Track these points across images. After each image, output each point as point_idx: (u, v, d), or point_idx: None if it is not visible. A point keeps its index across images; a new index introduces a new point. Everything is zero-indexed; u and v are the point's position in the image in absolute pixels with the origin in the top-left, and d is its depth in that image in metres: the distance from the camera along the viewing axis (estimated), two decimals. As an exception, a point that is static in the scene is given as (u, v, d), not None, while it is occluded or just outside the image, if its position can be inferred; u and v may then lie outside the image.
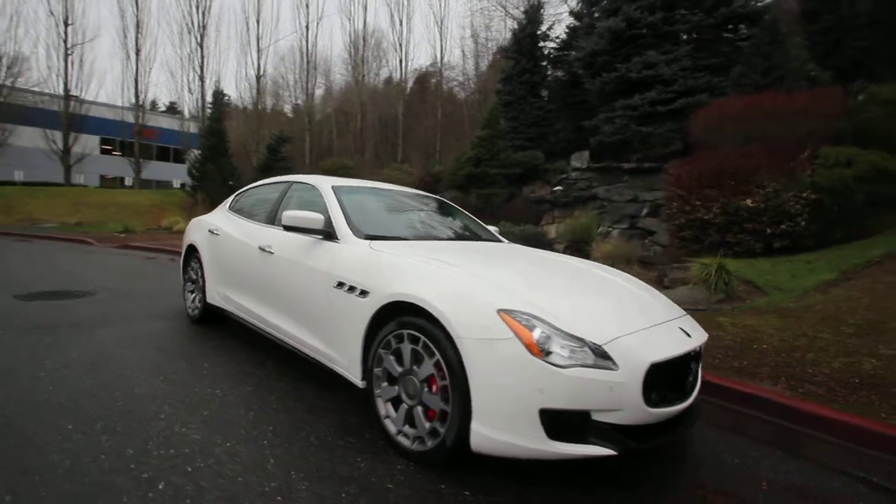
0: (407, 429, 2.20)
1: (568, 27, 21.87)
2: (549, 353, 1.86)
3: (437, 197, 4.12)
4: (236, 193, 4.51)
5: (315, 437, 2.36)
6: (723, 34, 14.75)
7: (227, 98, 19.98)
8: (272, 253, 3.26)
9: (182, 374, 3.10)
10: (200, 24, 24.77)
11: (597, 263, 3.18)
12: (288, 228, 2.97)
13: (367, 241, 2.75)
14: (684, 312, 2.52)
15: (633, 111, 14.81)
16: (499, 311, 1.96)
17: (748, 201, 7.26)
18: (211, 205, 18.09)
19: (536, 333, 1.88)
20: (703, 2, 14.28)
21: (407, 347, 2.20)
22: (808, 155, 7.19)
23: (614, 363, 1.89)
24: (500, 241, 3.64)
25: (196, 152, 21.04)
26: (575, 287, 2.38)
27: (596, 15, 17.42)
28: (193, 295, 4.48)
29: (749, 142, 8.75)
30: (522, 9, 22.45)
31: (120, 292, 5.71)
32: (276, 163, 18.90)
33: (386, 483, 1.99)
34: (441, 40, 28.18)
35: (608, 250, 6.96)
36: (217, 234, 4.09)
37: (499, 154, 16.78)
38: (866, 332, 3.90)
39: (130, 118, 26.35)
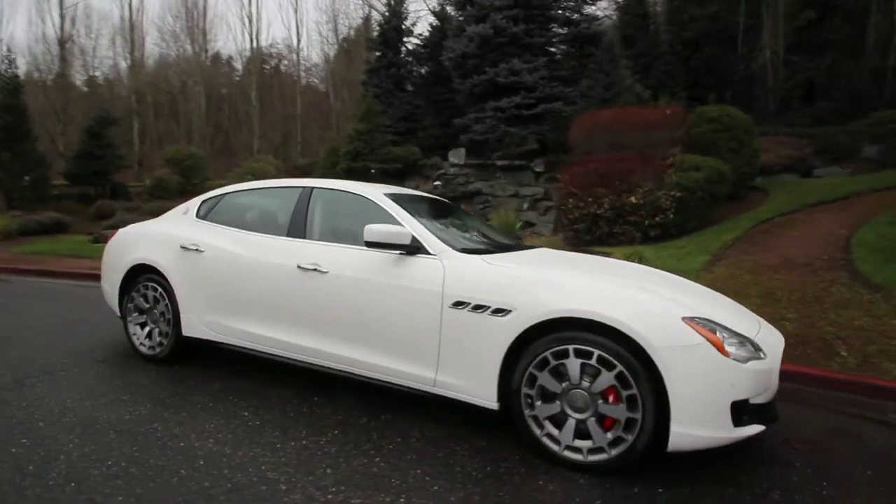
0: (578, 443, 2.22)
1: (431, 25, 22.48)
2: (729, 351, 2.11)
3: (445, 199, 4.03)
4: (204, 199, 3.70)
5: (474, 470, 2.22)
6: (571, 50, 16.92)
7: (14, 67, 15.17)
8: (325, 272, 2.83)
9: (232, 431, 2.52)
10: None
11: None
12: (371, 245, 2.64)
13: (476, 256, 2.63)
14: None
15: (502, 113, 16.05)
16: (683, 318, 2.13)
17: (632, 198, 8.66)
18: (7, 203, 13.81)
19: (720, 335, 2.12)
20: (555, 19, 16.17)
21: (574, 363, 2.22)
22: (671, 161, 8.88)
23: (764, 353, 2.23)
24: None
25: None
26: (685, 290, 2.67)
27: (460, 18, 18.30)
28: (149, 328, 3.57)
29: (614, 147, 10.38)
30: (384, 0, 22.22)
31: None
32: (100, 150, 15.34)
33: (595, 500, 2.01)
34: (297, 24, 26.01)
35: (541, 243, 7.58)
36: (199, 251, 3.33)
37: (378, 148, 16.55)
38: (767, 302, 5.12)
39: None
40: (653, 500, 2.04)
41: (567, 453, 2.24)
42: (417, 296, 2.56)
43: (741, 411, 2.14)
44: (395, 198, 3.03)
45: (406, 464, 2.24)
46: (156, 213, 16.09)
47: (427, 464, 2.25)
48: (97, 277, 4.09)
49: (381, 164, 16.43)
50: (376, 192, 3.07)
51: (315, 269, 2.87)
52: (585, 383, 2.21)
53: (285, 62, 27.31)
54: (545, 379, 2.28)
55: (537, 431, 2.30)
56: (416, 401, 2.81)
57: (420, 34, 21.89)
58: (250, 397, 2.95)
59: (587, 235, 9.43)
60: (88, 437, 2.40)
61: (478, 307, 2.41)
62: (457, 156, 17.03)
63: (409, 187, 16.71)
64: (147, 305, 3.57)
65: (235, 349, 3.24)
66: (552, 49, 16.49)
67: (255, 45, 22.58)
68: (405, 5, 21.17)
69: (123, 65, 22.92)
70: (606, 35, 15.75)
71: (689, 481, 2.17)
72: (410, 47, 21.44)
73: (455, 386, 2.50)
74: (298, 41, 36.06)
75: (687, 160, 8.92)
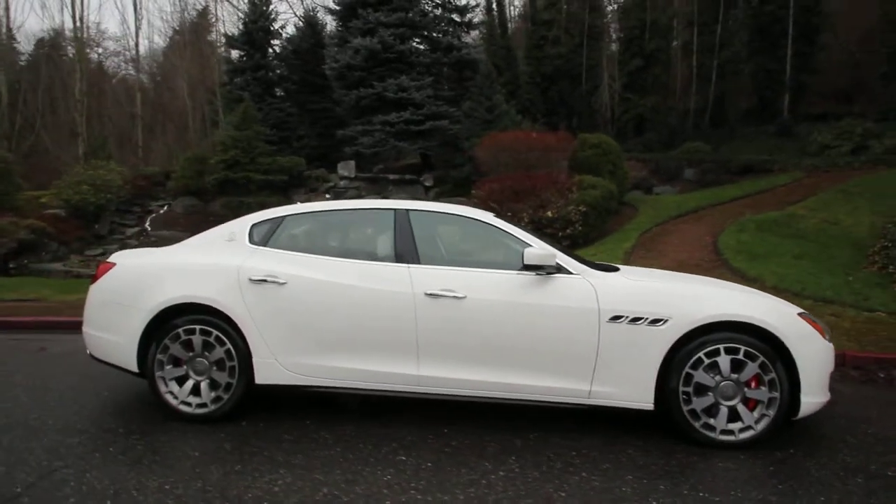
0: (730, 426, 2.65)
1: (298, 29, 21.47)
2: (822, 337, 2.79)
3: None
4: (254, 223, 3.18)
5: (666, 465, 2.47)
6: (452, 73, 17.96)
7: None
8: (462, 297, 2.77)
9: (418, 477, 2.32)
10: None
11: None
12: (528, 267, 2.72)
13: (613, 273, 2.90)
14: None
15: (391, 127, 16.28)
16: (798, 314, 2.74)
17: (549, 213, 9.73)
18: None
19: (821, 325, 2.77)
20: (439, 43, 17.05)
21: (725, 359, 2.64)
22: (577, 180, 10.24)
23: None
24: None
25: None
26: (762, 293, 3.30)
27: (339, 28, 17.98)
28: (192, 382, 2.93)
29: (515, 166, 11.50)
30: (246, -1, 20.40)
31: None
32: None
33: (767, 467, 2.46)
34: (136, 6, 21.48)
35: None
36: (279, 283, 2.89)
37: (259, 158, 15.21)
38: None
39: None
40: (795, 459, 2.57)
41: (722, 436, 2.66)
42: (574, 314, 2.72)
43: (826, 380, 2.84)
44: (508, 220, 3.12)
45: (611, 473, 2.39)
46: (-40, 235, 12.07)
47: (625, 469, 2.43)
48: None
49: (264, 176, 15.14)
50: (488, 215, 3.11)
51: (448, 296, 2.78)
52: (734, 375, 2.67)
53: (99, 50, 22.71)
54: (700, 376, 2.66)
55: (696, 423, 2.67)
56: (538, 415, 2.98)
57: (289, 37, 20.74)
58: (381, 440, 2.69)
59: (506, 247, 10.24)
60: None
61: (635, 319, 2.69)
62: (346, 168, 16.65)
63: (298, 200, 15.73)
64: (190, 354, 2.93)
65: (333, 391, 2.91)
66: (434, 70, 17.28)
67: (79, 27, 18.35)
68: (272, 6, 19.87)
69: None
70: (485, 62, 17.14)
71: (800, 436, 2.78)
72: (279, 50, 20.17)
73: (611, 394, 2.72)
74: (137, 28, 30.59)
75: (586, 180, 10.38)
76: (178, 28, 27.28)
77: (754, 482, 2.34)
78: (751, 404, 2.68)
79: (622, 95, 18.14)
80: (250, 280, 2.91)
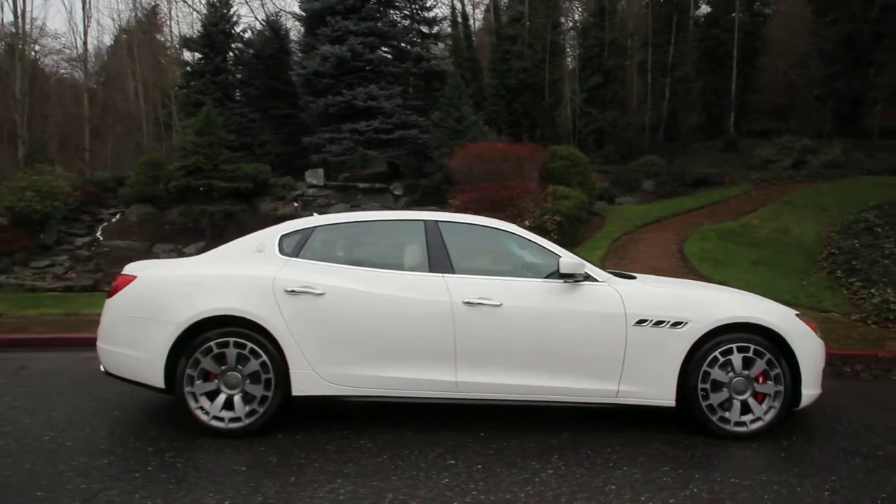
0: (742, 418, 2.90)
1: (256, 32, 21.01)
2: (813, 334, 3.11)
3: None
4: (283, 234, 3.14)
5: (693, 457, 2.67)
6: (420, 83, 18.11)
7: None
8: (498, 305, 2.89)
9: (478, 479, 2.40)
10: None
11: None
12: (562, 275, 2.88)
13: (633, 281, 3.11)
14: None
15: (360, 135, 16.23)
16: (795, 315, 3.05)
17: (526, 222, 10.03)
18: None
19: (814, 324, 3.10)
20: (408, 53, 17.19)
21: (738, 357, 2.89)
22: (551, 190, 10.63)
23: (817, 332, 3.32)
24: None
25: None
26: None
27: (306, 34, 17.77)
28: (224, 396, 2.87)
29: (489, 176, 11.79)
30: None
31: None
32: None
33: (779, 453, 2.72)
34: (86, 3, 19.98)
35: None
36: (317, 294, 2.89)
37: (222, 164, 14.69)
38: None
39: None
40: (799, 445, 2.86)
41: (736, 428, 2.90)
42: (604, 318, 2.90)
43: (818, 373, 3.16)
44: (531, 232, 3.28)
45: (648, 465, 2.56)
46: None
47: (659, 461, 2.62)
48: None
49: (228, 183, 14.61)
50: (513, 226, 3.26)
51: (486, 304, 2.89)
52: (745, 371, 2.93)
53: (37, 47, 21.17)
54: (717, 373, 2.90)
55: (713, 417, 2.90)
56: (562, 415, 3.16)
57: (250, 41, 20.22)
58: (424, 446, 2.74)
59: (484, 255, 10.45)
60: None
61: (658, 322, 2.90)
62: (315, 176, 16.39)
63: (265, 209, 15.35)
64: (222, 368, 2.87)
65: (371, 400, 2.94)
66: (403, 80, 17.37)
67: (20, 23, 17.01)
68: (233, 9, 19.36)
69: None
70: (455, 74, 17.42)
71: (800, 427, 3.08)
72: (239, 54, 19.64)
73: (637, 393, 2.92)
74: (86, 27, 28.68)
75: (559, 191, 10.79)
76: (125, 27, 25.98)
77: (773, 467, 2.59)
78: (759, 397, 2.94)
79: (583, 109, 18.97)
80: (286, 291, 2.90)
